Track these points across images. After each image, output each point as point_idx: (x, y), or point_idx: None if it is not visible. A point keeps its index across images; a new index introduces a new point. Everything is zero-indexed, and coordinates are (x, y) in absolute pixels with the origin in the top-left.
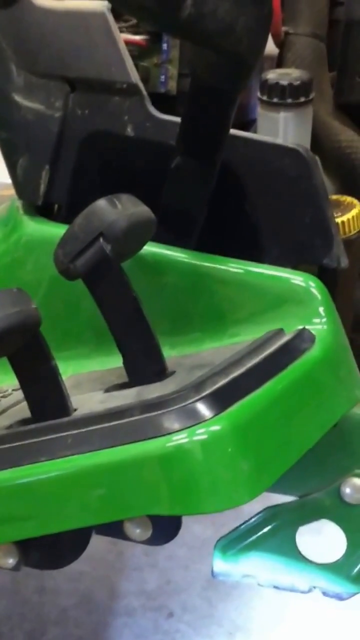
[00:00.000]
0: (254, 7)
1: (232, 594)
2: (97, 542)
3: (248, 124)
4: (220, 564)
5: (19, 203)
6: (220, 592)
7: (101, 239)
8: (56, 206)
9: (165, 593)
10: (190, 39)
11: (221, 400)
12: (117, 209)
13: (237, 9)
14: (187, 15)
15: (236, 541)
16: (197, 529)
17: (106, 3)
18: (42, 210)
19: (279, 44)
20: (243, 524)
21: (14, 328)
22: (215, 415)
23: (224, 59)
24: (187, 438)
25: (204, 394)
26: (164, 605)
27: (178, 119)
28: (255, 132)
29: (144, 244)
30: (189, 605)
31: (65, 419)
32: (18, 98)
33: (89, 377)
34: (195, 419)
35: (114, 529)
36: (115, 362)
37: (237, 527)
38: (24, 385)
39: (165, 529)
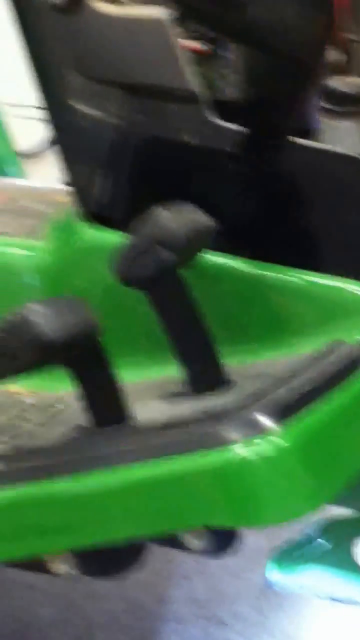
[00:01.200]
0: (314, 10)
1: (283, 604)
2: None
3: (307, 133)
4: (276, 575)
5: (75, 210)
6: (271, 602)
7: (161, 247)
8: (110, 212)
9: (215, 601)
10: (250, 42)
11: (284, 411)
12: (177, 217)
13: (298, 13)
14: (247, 17)
15: (293, 552)
16: (249, 539)
17: (166, 10)
18: (98, 216)
19: (345, 51)
20: (300, 535)
21: (74, 335)
22: (278, 426)
23: (284, 63)
24: (249, 449)
25: (266, 405)
26: (214, 614)
27: (237, 126)
28: (311, 139)
29: (201, 251)
30: (240, 614)
31: (126, 428)
32: (75, 103)
33: (145, 385)
34: (258, 430)
35: (170, 539)
36: (171, 370)
37: (293, 538)
38: (84, 393)
39: (221, 540)
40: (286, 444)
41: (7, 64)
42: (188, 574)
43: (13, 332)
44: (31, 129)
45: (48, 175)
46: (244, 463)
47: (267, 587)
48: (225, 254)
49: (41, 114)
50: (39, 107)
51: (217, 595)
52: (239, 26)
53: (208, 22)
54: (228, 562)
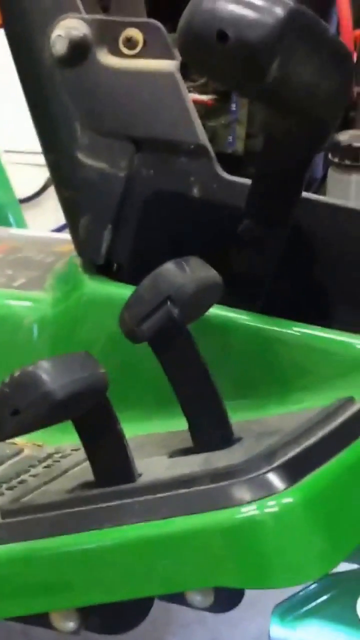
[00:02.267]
0: (336, 71)
1: None
2: None
3: (310, 183)
4: (277, 630)
5: (78, 261)
6: None
7: (169, 303)
8: (116, 265)
9: None
10: (273, 103)
11: (293, 471)
12: (185, 273)
13: (321, 74)
14: (273, 79)
15: (295, 607)
16: None
17: (175, 63)
18: (102, 269)
19: (352, 104)
20: (302, 590)
21: (82, 393)
22: (288, 487)
23: (304, 122)
24: (258, 510)
25: (275, 464)
26: None
27: (246, 181)
28: (319, 192)
29: (210, 307)
30: None
31: (132, 485)
32: (82, 157)
33: (151, 440)
34: (267, 491)
35: (176, 596)
36: (177, 424)
37: (296, 593)
38: (89, 448)
39: (227, 598)
40: (297, 505)
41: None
42: (186, 623)
43: (20, 389)
44: (26, 174)
45: (44, 222)
46: (254, 524)
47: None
48: (234, 308)
49: (34, 159)
50: (32, 153)
51: None
52: (261, 88)
53: (228, 83)
54: None
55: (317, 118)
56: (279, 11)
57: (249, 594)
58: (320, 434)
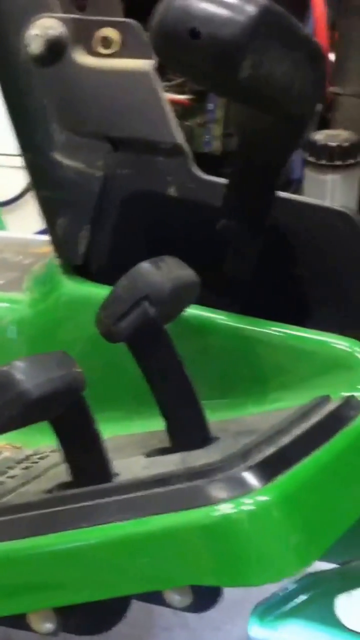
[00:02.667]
0: (309, 69)
1: None
2: None
3: (288, 184)
4: (257, 630)
5: (57, 262)
6: None
7: (146, 302)
8: (94, 265)
9: None
10: (246, 101)
11: (269, 469)
12: (162, 272)
13: (294, 70)
14: (245, 77)
15: (274, 607)
16: (227, 589)
17: (151, 62)
18: (80, 269)
19: (327, 104)
20: (281, 590)
21: (58, 392)
22: (264, 485)
23: (278, 120)
24: (234, 508)
25: (251, 463)
26: None
27: (222, 180)
28: (297, 192)
29: (187, 306)
30: None
31: (108, 485)
32: (59, 157)
33: (129, 440)
34: (243, 489)
35: (154, 596)
36: (155, 424)
37: (275, 593)
38: (66, 449)
39: (206, 597)
40: (273, 503)
41: None
42: (168, 626)
43: None
44: (6, 177)
45: (27, 225)
46: (230, 522)
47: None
48: (211, 308)
49: (15, 161)
50: (12, 155)
51: None
52: (234, 85)
53: (201, 80)
54: (208, 613)
55: (291, 116)
56: (251, 9)
57: (230, 596)
58: (296, 432)
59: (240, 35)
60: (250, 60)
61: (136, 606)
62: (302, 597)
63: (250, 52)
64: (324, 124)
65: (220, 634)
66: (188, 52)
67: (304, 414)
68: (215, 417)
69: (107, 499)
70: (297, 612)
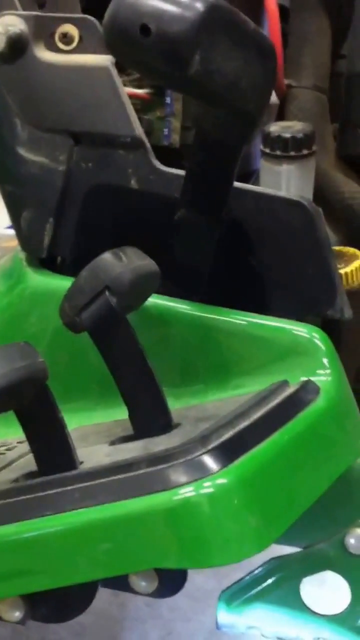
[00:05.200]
0: (260, 63)
1: None
2: (99, 594)
3: (249, 175)
4: (224, 616)
5: (22, 255)
6: None
7: (107, 292)
8: (59, 258)
9: None
10: (196, 96)
11: (227, 453)
12: (122, 262)
13: (243, 66)
14: (194, 72)
15: (240, 592)
16: (199, 580)
17: (110, 57)
18: (46, 262)
19: (281, 96)
20: (247, 575)
21: (22, 382)
22: (222, 468)
23: (230, 114)
24: (194, 491)
25: (210, 447)
26: None
27: (182, 172)
28: (257, 183)
29: (148, 297)
30: None
31: (72, 473)
32: (22, 152)
33: (95, 430)
34: (202, 472)
35: (120, 582)
36: (121, 414)
37: (241, 579)
38: (31, 438)
39: (171, 581)
40: (232, 485)
41: None
42: (141, 618)
43: None
44: None
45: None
46: (190, 505)
47: (219, 629)
48: (173, 298)
49: None
50: None
51: (170, 637)
52: (183, 80)
53: (151, 74)
54: (180, 604)
55: (242, 109)
56: (200, 5)
57: (202, 587)
58: (255, 416)
59: (189, 32)
60: (199, 56)
61: (109, 600)
62: (268, 581)
63: (199, 48)
64: (282, 116)
65: (192, 624)
66: (138, 49)
67: (263, 398)
68: (177, 404)
69: (70, 487)
70: (262, 597)
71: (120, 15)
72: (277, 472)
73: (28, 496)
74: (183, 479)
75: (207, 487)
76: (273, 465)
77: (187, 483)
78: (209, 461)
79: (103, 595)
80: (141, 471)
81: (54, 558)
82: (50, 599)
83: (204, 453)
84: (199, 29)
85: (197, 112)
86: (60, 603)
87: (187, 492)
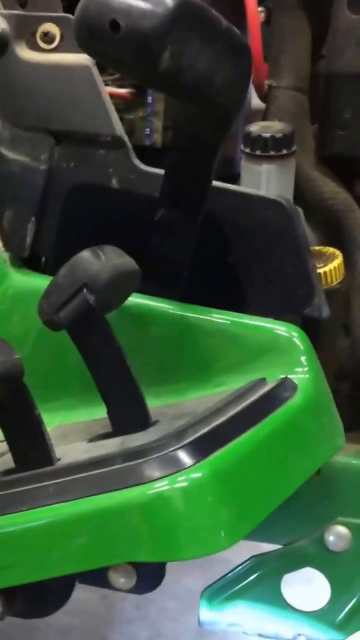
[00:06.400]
0: (232, 60)
1: None
2: (87, 595)
3: (234, 178)
4: (206, 613)
5: (5, 255)
6: None
7: (85, 290)
8: (43, 258)
9: None
10: (168, 92)
11: (202, 448)
12: (101, 260)
13: (216, 62)
14: (165, 68)
15: (222, 590)
16: (187, 581)
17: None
18: (29, 262)
19: (263, 97)
20: (229, 572)
21: None
22: (196, 462)
23: (204, 111)
24: (168, 485)
25: (184, 442)
26: None
27: (162, 172)
28: (237, 183)
29: (128, 295)
30: None
31: (48, 469)
32: (4, 150)
33: (75, 428)
34: (176, 467)
35: (99, 578)
36: (101, 412)
37: (223, 576)
38: (8, 435)
39: (149, 577)
40: (205, 480)
41: None
42: (129, 619)
43: None
44: None
45: None
46: (163, 498)
47: (201, 626)
48: (152, 296)
49: None
50: None
51: (158, 638)
52: (154, 75)
53: (123, 70)
54: (168, 605)
55: (216, 107)
56: (169, 1)
57: (189, 588)
58: (230, 413)
59: (158, 27)
60: (169, 52)
61: (97, 601)
62: (249, 579)
63: (169, 44)
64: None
65: (178, 624)
66: (109, 44)
67: (240, 395)
68: (157, 402)
69: (46, 483)
70: (243, 594)
71: (90, 11)
72: (252, 467)
73: (5, 492)
74: (157, 473)
75: (180, 481)
76: (248, 460)
77: (161, 477)
78: (183, 456)
79: (91, 596)
80: (116, 466)
81: (29, 552)
82: (27, 594)
83: (178, 448)
84: (169, 24)
85: (174, 109)
86: (37, 598)
87: (160, 486)
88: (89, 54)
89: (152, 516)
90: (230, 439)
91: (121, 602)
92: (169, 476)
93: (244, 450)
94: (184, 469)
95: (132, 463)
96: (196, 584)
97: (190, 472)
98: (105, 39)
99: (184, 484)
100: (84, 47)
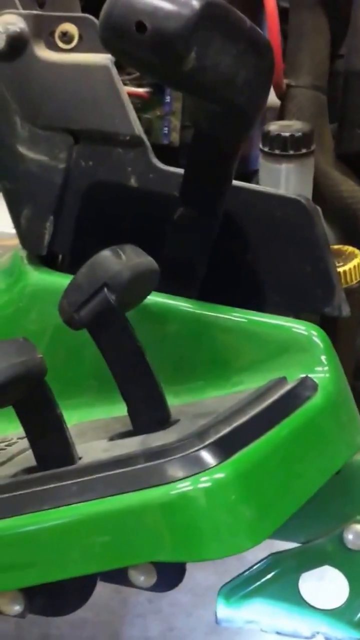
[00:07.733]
0: (255, 60)
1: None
2: (101, 589)
3: (250, 175)
4: (223, 610)
5: (22, 253)
6: (222, 638)
7: (105, 289)
8: (60, 256)
9: (168, 639)
10: (192, 92)
11: (224, 448)
12: (121, 260)
13: (238, 63)
14: (190, 69)
15: (239, 587)
16: (200, 576)
17: (110, 56)
18: (46, 260)
19: (281, 95)
20: (246, 570)
21: (20, 377)
22: (219, 463)
23: (226, 111)
24: (191, 486)
25: (207, 442)
26: None
27: (181, 170)
28: (257, 183)
29: (147, 294)
30: None
31: (70, 468)
32: (22, 150)
33: (93, 425)
34: (199, 467)
35: (119, 576)
36: (119, 410)
37: (240, 574)
38: (29, 433)
39: (169, 575)
40: (228, 480)
41: None
42: (142, 613)
43: None
44: None
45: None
46: (186, 499)
47: (218, 623)
48: (170, 295)
49: None
50: None
51: (170, 633)
52: (179, 76)
53: (147, 71)
54: (180, 600)
55: (238, 106)
56: (195, 2)
57: (202, 583)
58: (252, 413)
59: (184, 28)
60: (194, 53)
61: (110, 595)
62: (267, 576)
63: (194, 45)
64: (282, 115)
65: (191, 619)
66: (134, 46)
67: (261, 395)
68: (176, 401)
69: (69, 482)
70: (261, 591)
71: (115, 12)
72: (274, 467)
73: (26, 490)
74: (180, 473)
75: (203, 481)
76: (270, 460)
77: (185, 477)
78: (207, 456)
79: (105, 590)
80: (139, 466)
81: (51, 552)
82: (49, 593)
83: (201, 448)
84: (194, 25)
85: (194, 108)
86: (58, 596)
87: (183, 486)
88: (114, 55)
89: (175, 516)
90: (253, 439)
91: (134, 596)
92: (192, 476)
93: (266, 450)
94: (207, 469)
95: (154, 463)
96: (209, 578)
97: (213, 472)
98: (131, 40)
99: (208, 484)
100: (108, 48)
